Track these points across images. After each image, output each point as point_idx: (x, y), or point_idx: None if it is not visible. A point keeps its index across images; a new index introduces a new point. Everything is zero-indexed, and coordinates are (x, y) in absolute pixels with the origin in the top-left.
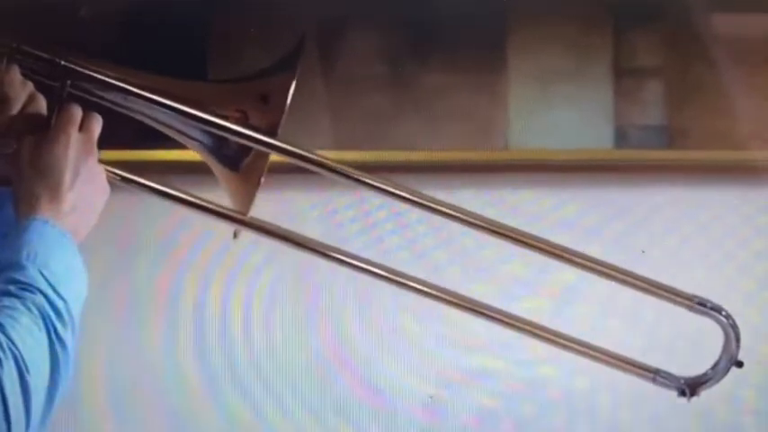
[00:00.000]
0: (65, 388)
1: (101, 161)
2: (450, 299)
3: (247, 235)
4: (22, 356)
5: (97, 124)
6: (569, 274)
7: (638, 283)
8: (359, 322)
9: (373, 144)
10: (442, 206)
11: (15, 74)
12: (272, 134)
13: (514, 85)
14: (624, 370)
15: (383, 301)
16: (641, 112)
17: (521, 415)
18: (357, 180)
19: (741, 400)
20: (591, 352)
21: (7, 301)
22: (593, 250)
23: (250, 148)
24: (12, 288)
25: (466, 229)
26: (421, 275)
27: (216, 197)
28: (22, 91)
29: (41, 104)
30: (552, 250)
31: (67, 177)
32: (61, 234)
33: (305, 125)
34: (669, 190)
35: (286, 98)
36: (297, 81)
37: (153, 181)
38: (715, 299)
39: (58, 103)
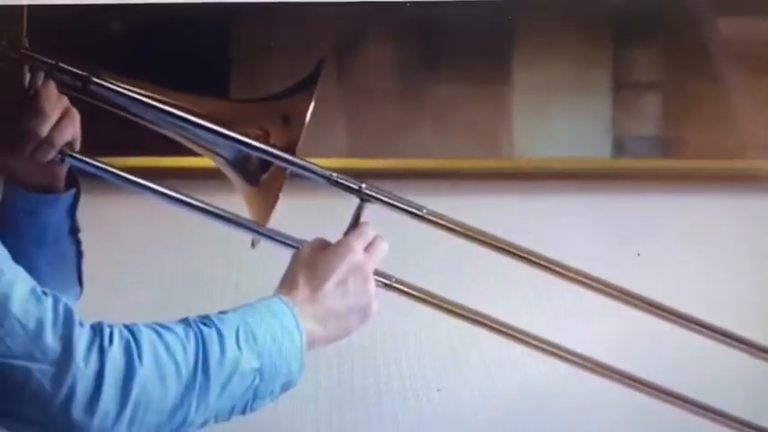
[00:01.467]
0: (192, 418)
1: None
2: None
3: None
4: (137, 342)
5: (383, 251)
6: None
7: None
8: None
9: (386, 152)
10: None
11: (52, 89)
12: (291, 152)
13: (519, 97)
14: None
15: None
16: (639, 124)
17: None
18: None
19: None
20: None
21: (175, 324)
22: (591, 254)
23: (269, 164)
24: (195, 318)
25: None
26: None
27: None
28: (57, 105)
29: (76, 118)
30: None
31: (331, 284)
32: (291, 316)
33: (321, 134)
34: (665, 198)
35: (305, 118)
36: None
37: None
38: (709, 303)
39: (356, 219)
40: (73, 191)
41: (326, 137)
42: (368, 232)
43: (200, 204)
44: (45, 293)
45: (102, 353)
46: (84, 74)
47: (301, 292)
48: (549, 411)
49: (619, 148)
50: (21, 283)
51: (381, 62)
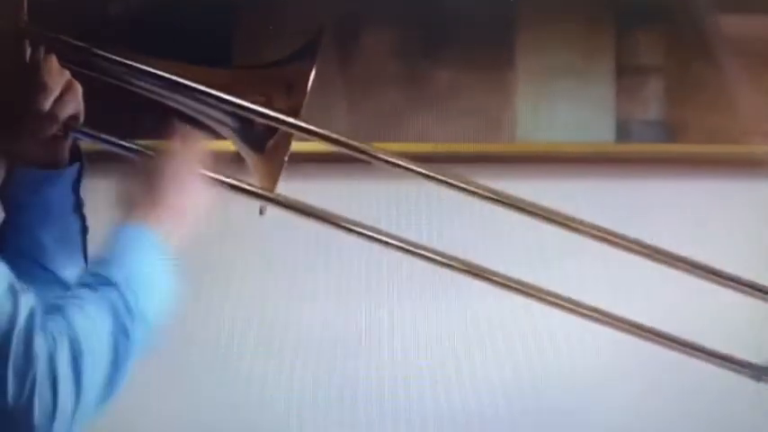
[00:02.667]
0: (125, 374)
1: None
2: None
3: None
4: (78, 340)
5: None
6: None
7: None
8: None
9: (388, 137)
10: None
11: (53, 63)
12: (295, 115)
13: (522, 82)
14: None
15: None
16: (642, 108)
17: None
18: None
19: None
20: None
21: (82, 291)
22: None
23: (274, 130)
24: (90, 280)
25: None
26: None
27: None
28: (59, 78)
29: (78, 92)
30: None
31: (168, 184)
32: (152, 240)
33: (322, 118)
34: (667, 181)
35: (307, 83)
36: (316, 77)
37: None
38: (711, 287)
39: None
40: (77, 165)
41: (328, 121)
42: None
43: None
44: (21, 290)
45: (52, 360)
46: (86, 46)
47: (143, 205)
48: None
49: (622, 132)
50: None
51: (383, 47)
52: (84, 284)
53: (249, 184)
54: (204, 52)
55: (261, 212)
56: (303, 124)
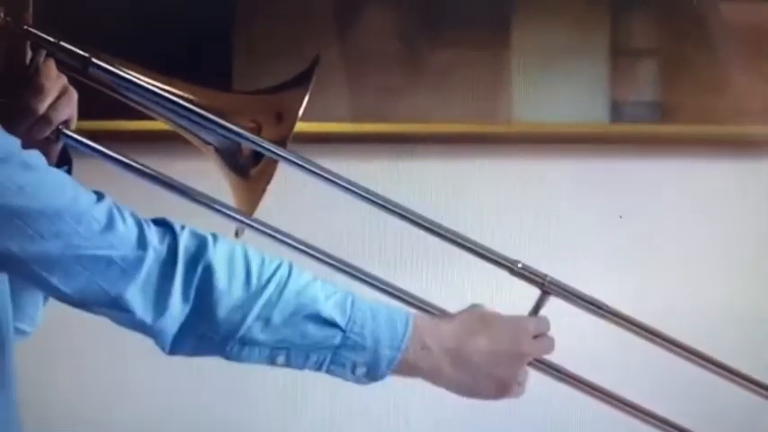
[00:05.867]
0: (250, 324)
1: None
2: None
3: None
4: (216, 243)
5: (551, 346)
6: None
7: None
8: None
9: (387, 116)
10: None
11: (52, 67)
12: (282, 145)
13: (518, 63)
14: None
15: None
16: (636, 89)
17: None
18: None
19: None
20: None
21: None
22: (587, 214)
23: (260, 157)
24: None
25: None
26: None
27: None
28: (56, 83)
29: (73, 97)
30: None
31: (484, 343)
32: (404, 324)
33: (323, 98)
34: (660, 161)
35: (297, 116)
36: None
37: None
38: (701, 265)
39: (535, 309)
40: (65, 168)
41: (328, 101)
42: (545, 325)
43: (199, 198)
44: (103, 197)
45: (174, 236)
46: (86, 55)
47: (444, 327)
48: None
49: (616, 112)
50: (84, 193)
51: (382, 26)
52: None
53: (229, 208)
54: (203, 32)
55: (237, 235)
56: (293, 158)
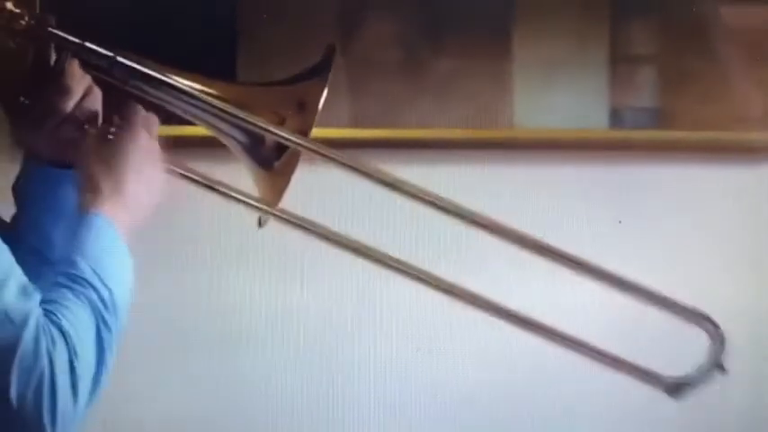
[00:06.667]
0: (108, 371)
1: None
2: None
3: None
4: (72, 342)
5: (156, 125)
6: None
7: (634, 290)
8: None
9: (388, 123)
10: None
11: (76, 67)
12: (305, 135)
13: (519, 70)
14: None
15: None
16: (635, 96)
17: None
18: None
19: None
20: (581, 348)
21: (61, 293)
22: (587, 219)
23: (284, 149)
24: (63, 280)
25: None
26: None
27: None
28: (81, 83)
29: (97, 97)
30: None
31: (130, 175)
32: (115, 231)
33: (325, 104)
34: (659, 167)
35: (318, 105)
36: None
37: (188, 169)
38: (700, 270)
39: (123, 103)
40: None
41: (329, 107)
42: (141, 111)
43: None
44: (32, 291)
45: (51, 362)
46: (110, 54)
47: (106, 193)
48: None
49: (616, 118)
50: (13, 279)
51: (384, 34)
52: (59, 285)
53: (254, 199)
54: (207, 41)
55: (260, 225)
56: (317, 148)
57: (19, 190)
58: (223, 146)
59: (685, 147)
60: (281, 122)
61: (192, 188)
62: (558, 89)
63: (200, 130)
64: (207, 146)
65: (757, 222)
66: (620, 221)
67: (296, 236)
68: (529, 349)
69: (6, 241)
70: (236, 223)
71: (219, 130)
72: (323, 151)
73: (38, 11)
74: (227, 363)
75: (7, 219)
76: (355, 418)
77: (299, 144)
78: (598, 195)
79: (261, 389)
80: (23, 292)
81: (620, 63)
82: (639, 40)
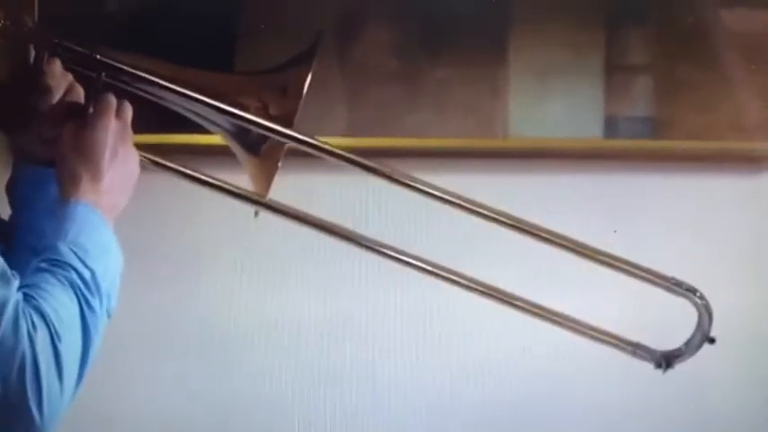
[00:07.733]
0: (96, 351)
1: (135, 145)
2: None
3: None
4: (53, 324)
5: (129, 111)
6: (552, 253)
7: (619, 264)
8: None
9: (384, 131)
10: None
11: (57, 66)
12: (289, 123)
13: (514, 79)
14: (605, 343)
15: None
16: (630, 105)
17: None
18: (363, 166)
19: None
20: (574, 325)
21: (41, 277)
22: (582, 229)
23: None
24: (44, 265)
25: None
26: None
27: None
28: (62, 81)
29: (79, 94)
30: (540, 233)
31: (106, 159)
32: (97, 215)
33: (322, 113)
34: (654, 176)
35: (303, 88)
36: (315, 71)
37: (179, 164)
38: (697, 280)
39: (96, 93)
40: None
41: (327, 116)
42: (112, 101)
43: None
44: (10, 277)
45: (32, 345)
46: (87, 51)
47: (85, 179)
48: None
49: (611, 128)
50: None
51: (381, 43)
52: (40, 270)
53: (242, 189)
54: (205, 53)
55: (256, 215)
56: (295, 134)
57: (12, 190)
58: (224, 153)
59: (681, 156)
60: (263, 108)
61: (183, 192)
62: (553, 98)
63: (197, 139)
64: (207, 154)
65: (754, 232)
66: (615, 231)
67: (288, 238)
68: (528, 356)
69: (3, 238)
70: (230, 226)
71: (202, 116)
72: (298, 136)
73: (36, 10)
74: (220, 366)
75: (7, 218)
76: (349, 423)
77: (269, 130)
78: (593, 205)
79: (253, 392)
80: (1, 278)
81: (616, 72)
82: (635, 49)
